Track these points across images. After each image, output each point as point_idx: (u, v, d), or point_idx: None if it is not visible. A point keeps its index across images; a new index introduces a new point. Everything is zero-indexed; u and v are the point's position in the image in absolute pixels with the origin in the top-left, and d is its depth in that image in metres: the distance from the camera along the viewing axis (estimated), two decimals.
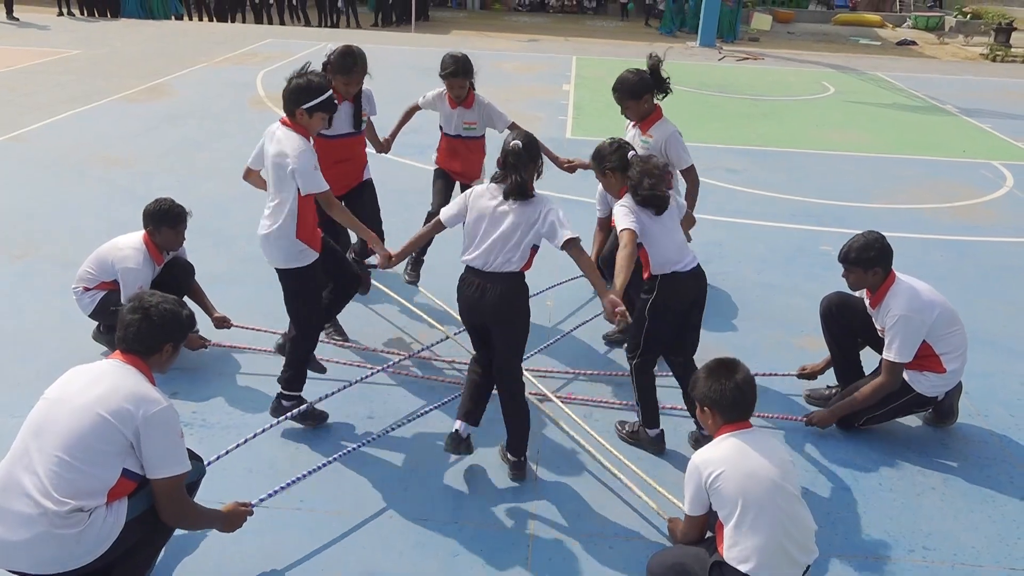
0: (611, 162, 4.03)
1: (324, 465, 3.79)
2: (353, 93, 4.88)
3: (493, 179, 3.71)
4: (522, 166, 3.60)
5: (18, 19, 18.39)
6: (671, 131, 4.82)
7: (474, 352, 3.98)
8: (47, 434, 2.71)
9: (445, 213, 3.81)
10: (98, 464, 2.68)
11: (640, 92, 4.78)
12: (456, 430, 3.84)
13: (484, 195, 3.70)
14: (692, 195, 5.02)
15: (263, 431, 3.92)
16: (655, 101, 4.87)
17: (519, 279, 3.69)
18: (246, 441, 3.83)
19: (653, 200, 3.85)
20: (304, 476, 3.67)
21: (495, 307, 3.65)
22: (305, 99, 3.82)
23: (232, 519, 3.13)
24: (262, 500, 3.45)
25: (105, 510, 2.71)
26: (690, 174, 4.96)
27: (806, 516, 2.91)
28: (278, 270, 4.03)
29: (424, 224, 4.31)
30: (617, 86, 4.83)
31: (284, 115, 3.92)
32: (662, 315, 3.97)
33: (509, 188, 3.61)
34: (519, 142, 3.65)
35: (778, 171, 9.30)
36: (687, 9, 23.87)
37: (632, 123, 4.95)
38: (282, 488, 3.58)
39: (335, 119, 4.51)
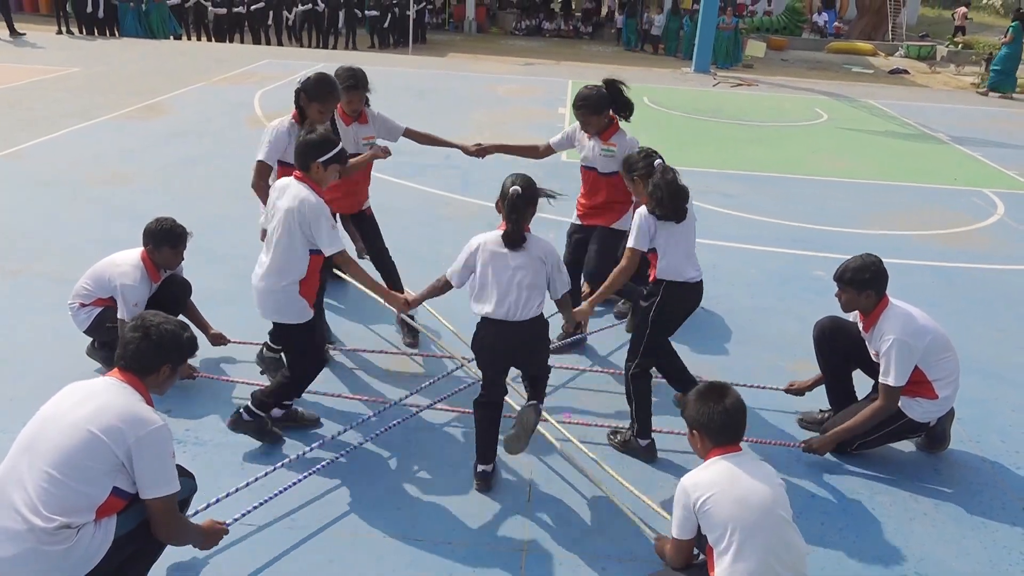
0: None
1: (304, 477, 3.83)
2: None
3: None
4: (520, 213, 3.65)
5: (24, 34, 18.49)
6: (632, 139, 5.01)
7: (486, 393, 3.88)
8: (38, 450, 2.70)
9: (452, 273, 3.85)
10: (87, 481, 2.67)
11: (602, 108, 4.96)
12: (487, 471, 3.93)
13: (489, 243, 3.72)
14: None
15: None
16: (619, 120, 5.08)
17: (542, 317, 3.78)
18: (263, 502, 3.82)
19: (673, 210, 4.03)
20: (284, 490, 3.70)
21: (529, 349, 3.81)
22: (320, 153, 3.84)
23: (210, 536, 3.14)
24: (236, 519, 3.46)
25: (93, 527, 2.70)
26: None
27: (798, 540, 2.92)
28: (282, 325, 4.01)
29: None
30: (579, 102, 4.98)
31: (297, 171, 3.91)
32: (664, 322, 4.13)
33: (507, 237, 3.68)
34: (518, 188, 3.67)
35: (771, 196, 9.37)
36: (682, 35, 24.12)
37: (588, 135, 5.08)
38: (261, 504, 3.57)
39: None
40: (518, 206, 3.65)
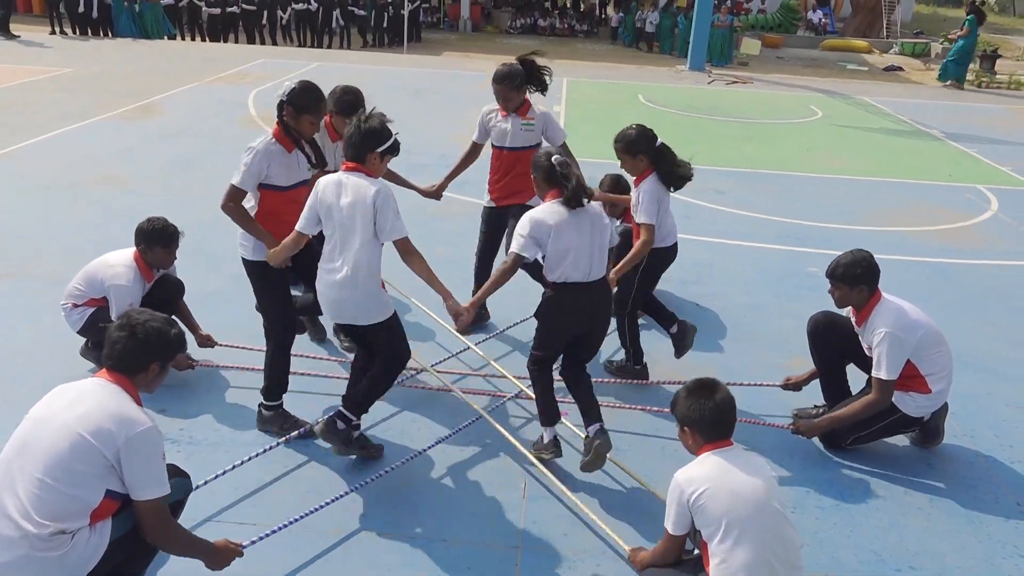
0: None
1: (329, 502, 3.78)
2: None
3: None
4: (571, 175, 3.89)
5: (18, 36, 18.46)
6: (547, 112, 5.29)
7: (549, 358, 4.08)
8: (29, 454, 2.67)
9: (522, 248, 3.90)
10: (80, 486, 2.64)
11: (522, 83, 5.13)
12: (555, 437, 4.06)
13: (551, 213, 3.89)
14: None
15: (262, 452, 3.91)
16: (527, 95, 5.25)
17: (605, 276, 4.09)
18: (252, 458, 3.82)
19: (681, 178, 4.64)
20: (305, 516, 3.56)
21: (605, 310, 4.08)
22: (379, 142, 3.67)
23: (221, 556, 3.00)
24: (253, 542, 3.30)
25: (88, 531, 2.67)
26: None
27: (792, 533, 2.92)
28: (369, 326, 3.81)
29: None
30: (502, 79, 5.11)
31: (349, 161, 3.70)
32: (650, 280, 4.89)
33: (573, 195, 3.87)
34: (558, 155, 3.94)
35: (766, 193, 9.38)
36: (677, 33, 24.14)
37: (504, 114, 5.21)
38: (279, 529, 3.45)
39: (294, 168, 4.12)
40: (567, 170, 3.90)
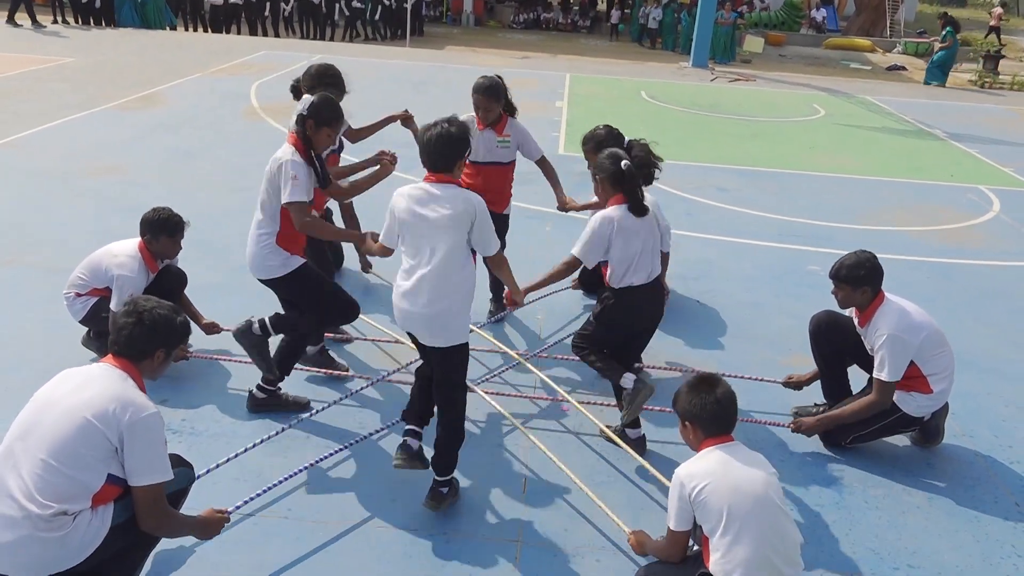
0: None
1: (306, 468, 3.82)
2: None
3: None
4: (638, 183, 3.99)
5: (21, 24, 18.50)
6: (523, 127, 5.24)
7: (612, 358, 4.15)
8: (33, 436, 2.70)
9: (583, 253, 4.01)
10: (83, 468, 2.67)
11: (503, 95, 5.07)
12: (635, 378, 4.03)
13: (620, 219, 3.95)
14: (556, 177, 5.42)
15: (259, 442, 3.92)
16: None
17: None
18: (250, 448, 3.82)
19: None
20: (284, 480, 3.68)
21: (660, 310, 4.20)
22: (466, 148, 3.57)
23: (208, 526, 3.08)
24: (238, 507, 3.45)
25: (90, 514, 2.70)
26: (545, 162, 5.37)
27: (792, 529, 2.93)
28: (445, 349, 3.61)
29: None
30: (485, 90, 4.99)
31: (431, 174, 3.53)
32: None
33: (638, 203, 3.98)
34: (627, 161, 3.98)
35: (767, 191, 9.38)
36: (680, 30, 24.10)
37: (481, 127, 5.10)
38: (261, 493, 3.57)
39: (311, 182, 4.02)
40: (636, 176, 3.99)
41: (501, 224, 5.20)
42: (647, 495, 3.91)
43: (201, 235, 6.45)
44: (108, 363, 2.86)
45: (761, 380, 4.89)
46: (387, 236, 3.66)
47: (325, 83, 4.81)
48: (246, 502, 3.52)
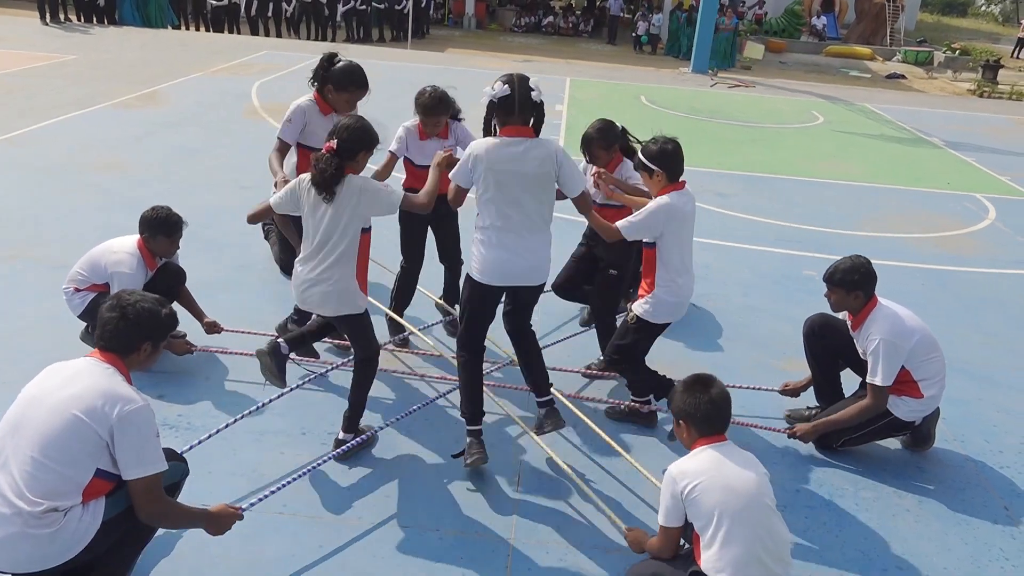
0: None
1: (309, 470, 3.83)
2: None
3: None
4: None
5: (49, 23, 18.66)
6: (466, 129, 5.09)
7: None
8: (22, 433, 2.70)
9: (638, 232, 4.13)
10: (71, 464, 2.67)
11: (453, 114, 5.00)
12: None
13: (677, 204, 4.13)
14: None
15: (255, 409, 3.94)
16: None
17: None
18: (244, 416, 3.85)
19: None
20: (290, 481, 3.68)
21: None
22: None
23: (220, 520, 3.03)
24: (252, 505, 3.42)
25: (81, 509, 2.70)
26: None
27: (782, 528, 2.96)
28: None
29: None
30: (436, 103, 4.83)
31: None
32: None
33: (687, 193, 4.22)
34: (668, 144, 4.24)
35: (766, 197, 9.43)
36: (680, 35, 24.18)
37: (424, 137, 4.93)
38: (272, 493, 3.56)
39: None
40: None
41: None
42: (640, 495, 3.93)
43: (202, 232, 6.49)
44: (95, 357, 2.85)
45: (758, 389, 4.89)
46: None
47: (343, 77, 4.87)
48: (260, 500, 3.47)
